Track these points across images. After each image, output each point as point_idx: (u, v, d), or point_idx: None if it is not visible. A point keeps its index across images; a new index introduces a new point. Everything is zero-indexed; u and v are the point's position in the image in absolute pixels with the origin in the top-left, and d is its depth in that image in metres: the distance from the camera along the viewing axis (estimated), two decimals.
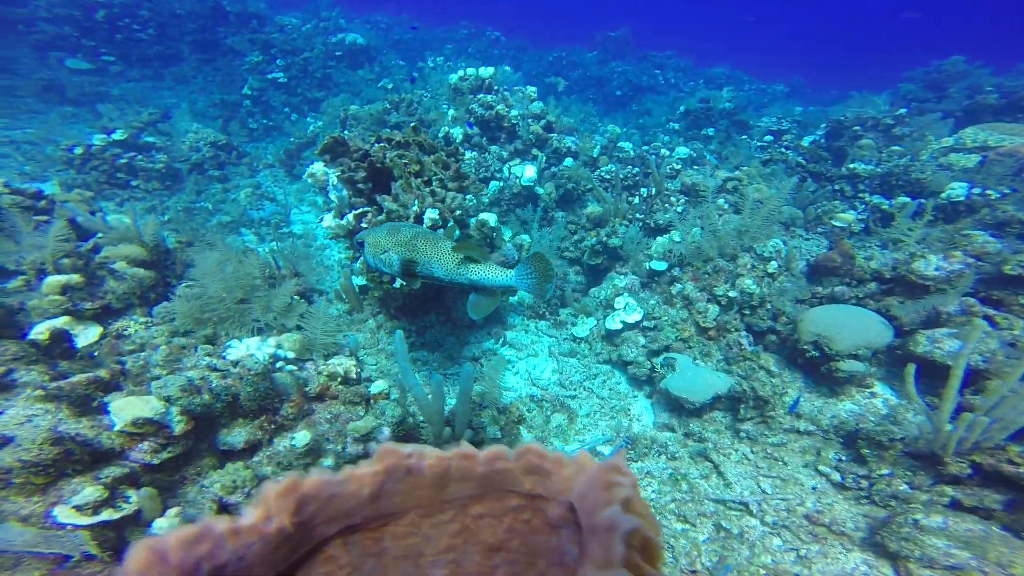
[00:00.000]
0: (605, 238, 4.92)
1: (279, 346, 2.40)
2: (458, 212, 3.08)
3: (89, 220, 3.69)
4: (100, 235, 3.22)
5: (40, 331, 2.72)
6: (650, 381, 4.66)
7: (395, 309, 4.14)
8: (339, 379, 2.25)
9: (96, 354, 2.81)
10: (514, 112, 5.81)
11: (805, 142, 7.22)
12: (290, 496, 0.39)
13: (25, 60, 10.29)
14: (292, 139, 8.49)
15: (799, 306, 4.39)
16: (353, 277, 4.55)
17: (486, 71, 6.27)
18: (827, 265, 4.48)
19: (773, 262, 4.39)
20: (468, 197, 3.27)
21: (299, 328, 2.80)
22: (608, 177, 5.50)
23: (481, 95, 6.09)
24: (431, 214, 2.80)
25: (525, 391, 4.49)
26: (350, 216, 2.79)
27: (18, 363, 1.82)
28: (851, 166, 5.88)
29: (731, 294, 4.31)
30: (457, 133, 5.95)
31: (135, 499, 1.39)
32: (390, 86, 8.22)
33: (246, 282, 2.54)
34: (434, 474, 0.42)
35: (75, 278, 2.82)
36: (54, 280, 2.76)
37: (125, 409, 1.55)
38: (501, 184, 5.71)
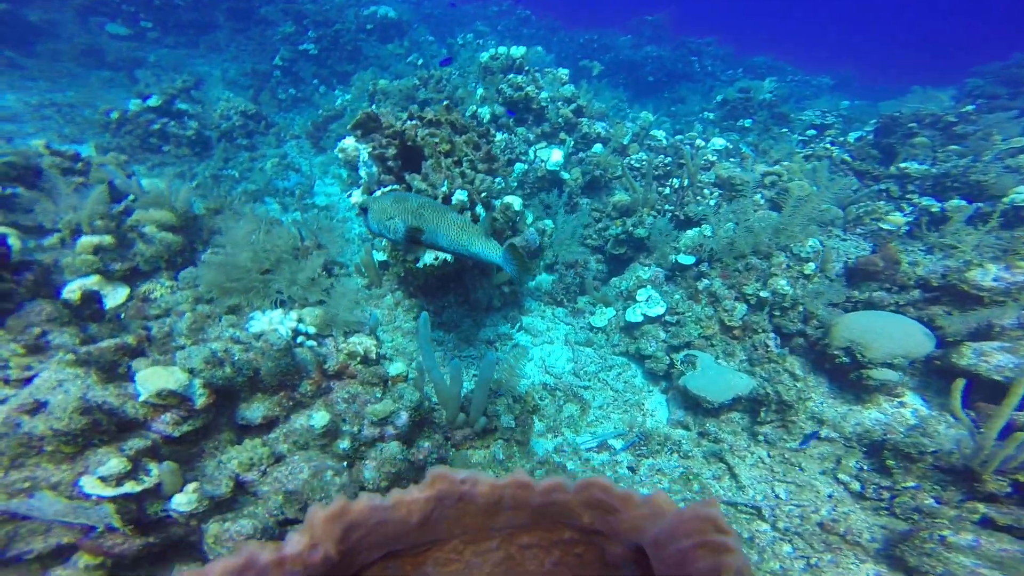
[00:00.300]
0: (631, 228, 4.78)
1: (300, 320, 2.40)
2: (484, 195, 3.01)
3: (125, 183, 3.75)
4: (132, 198, 3.27)
5: (72, 289, 2.80)
6: (667, 377, 4.58)
7: (415, 288, 4.13)
8: (358, 358, 2.25)
9: (123, 316, 2.88)
10: (544, 94, 5.64)
11: (851, 138, 6.82)
12: (338, 522, 0.36)
13: (68, 24, 10.49)
14: (320, 111, 8.47)
15: (832, 310, 4.21)
16: (374, 252, 4.56)
17: (517, 51, 6.07)
18: (868, 269, 4.26)
19: (811, 263, 4.19)
20: (497, 180, 3.18)
21: (322, 303, 2.80)
22: (638, 165, 5.31)
23: (511, 75, 5.92)
24: (460, 196, 2.73)
25: (539, 378, 4.47)
26: (379, 193, 2.76)
27: (52, 324, 1.87)
28: (902, 165, 5.53)
29: (762, 294, 4.14)
30: (485, 112, 5.82)
31: (156, 472, 1.42)
32: (420, 62, 8.08)
33: (273, 254, 2.54)
34: (486, 502, 0.38)
35: (107, 239, 2.88)
36: (87, 240, 2.82)
37: (150, 379, 1.57)
38: (526, 167, 5.59)
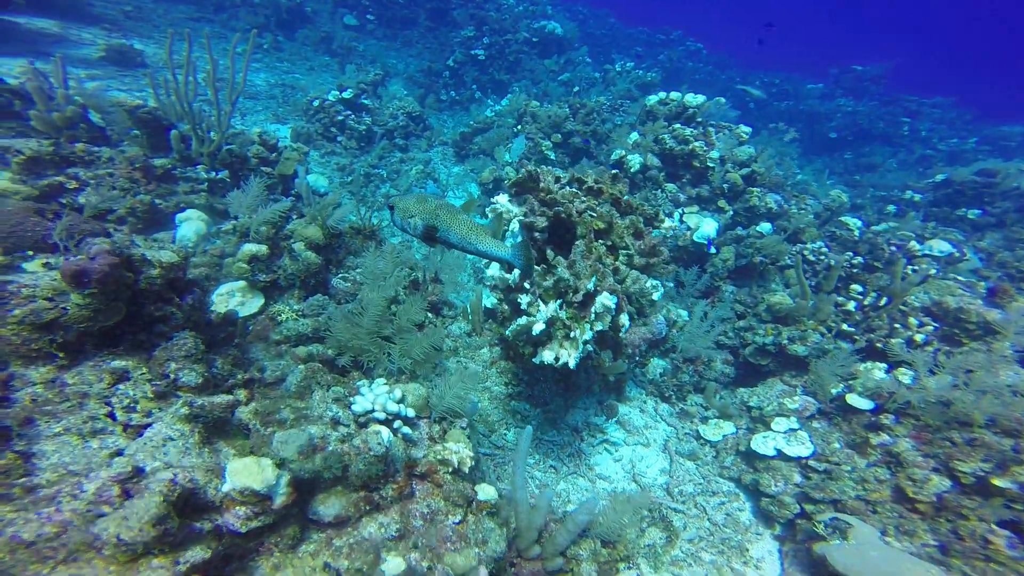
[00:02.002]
0: (786, 341, 3.88)
1: (403, 399, 2.26)
2: (636, 299, 2.56)
3: (300, 183, 4.15)
4: (293, 220, 3.51)
5: (222, 294, 3.08)
6: (790, 526, 3.67)
7: (515, 353, 3.85)
8: (450, 468, 2.02)
9: (251, 327, 3.10)
10: (714, 154, 4.91)
11: None
12: None
13: (323, 14, 12.64)
14: (471, 121, 8.74)
15: None
16: (485, 296, 4.41)
17: (693, 99, 5.40)
18: None
19: None
20: (653, 282, 2.71)
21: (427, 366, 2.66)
22: (814, 260, 4.31)
23: (678, 125, 5.29)
24: (606, 300, 2.32)
25: (623, 486, 3.89)
26: (515, 272, 2.49)
27: (186, 361, 1.95)
28: None
29: (1000, 483, 2.99)
30: (635, 161, 5.29)
31: None
32: (576, 89, 7.80)
33: (398, 323, 2.45)
34: None
35: (263, 250, 3.12)
36: (248, 249, 3.08)
37: (239, 474, 1.51)
38: (668, 233, 4.94)
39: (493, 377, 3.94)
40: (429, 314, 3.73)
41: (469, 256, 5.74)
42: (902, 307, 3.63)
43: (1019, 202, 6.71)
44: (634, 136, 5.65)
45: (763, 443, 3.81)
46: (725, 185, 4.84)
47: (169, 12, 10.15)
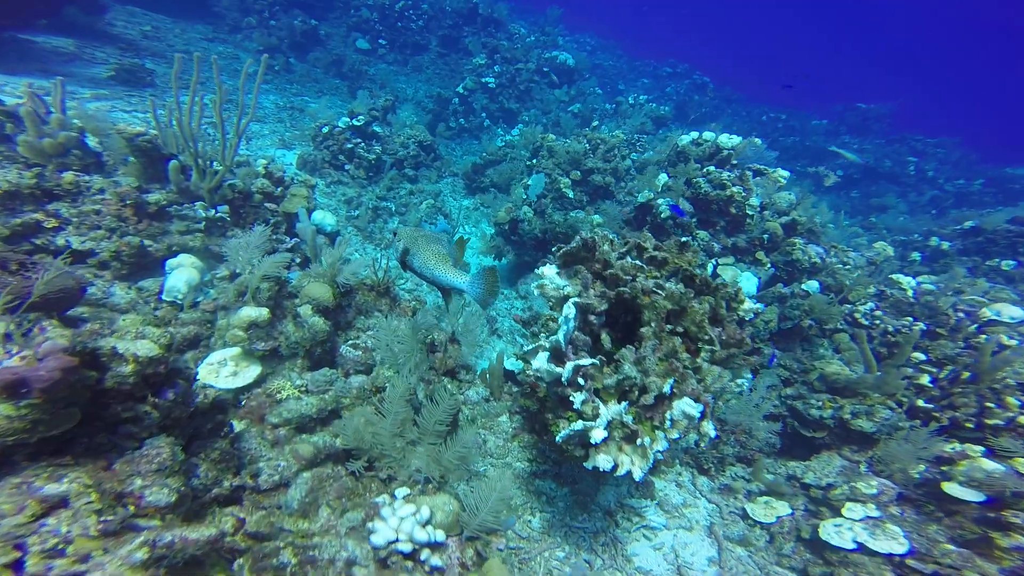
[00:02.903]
0: (849, 415, 3.46)
1: (431, 519, 1.80)
2: (712, 401, 2.14)
3: (303, 228, 3.74)
4: (295, 269, 3.09)
5: (211, 363, 2.63)
6: None
7: (540, 426, 3.40)
8: None
9: (243, 402, 2.65)
10: (754, 200, 4.59)
11: None
12: None
13: (336, 37, 12.63)
14: (484, 152, 8.50)
15: None
16: (510, 361, 3.98)
17: (728, 140, 5.13)
18: None
19: None
20: (739, 380, 2.29)
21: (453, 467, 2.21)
22: (867, 324, 3.93)
23: (713, 168, 5.00)
24: (688, 408, 1.86)
25: None
26: (570, 367, 2.03)
27: (158, 476, 1.50)
28: None
29: None
30: (665, 206, 4.97)
31: None
32: (595, 123, 7.60)
33: (424, 426, 2.02)
34: None
35: (264, 315, 2.69)
36: (246, 315, 2.65)
37: None
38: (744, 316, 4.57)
39: (515, 452, 3.48)
40: (449, 380, 3.30)
41: (486, 312, 5.39)
42: (993, 385, 3.23)
43: None
44: (663, 178, 5.35)
45: (836, 533, 3.32)
46: (765, 236, 4.50)
47: (186, 32, 10.01)
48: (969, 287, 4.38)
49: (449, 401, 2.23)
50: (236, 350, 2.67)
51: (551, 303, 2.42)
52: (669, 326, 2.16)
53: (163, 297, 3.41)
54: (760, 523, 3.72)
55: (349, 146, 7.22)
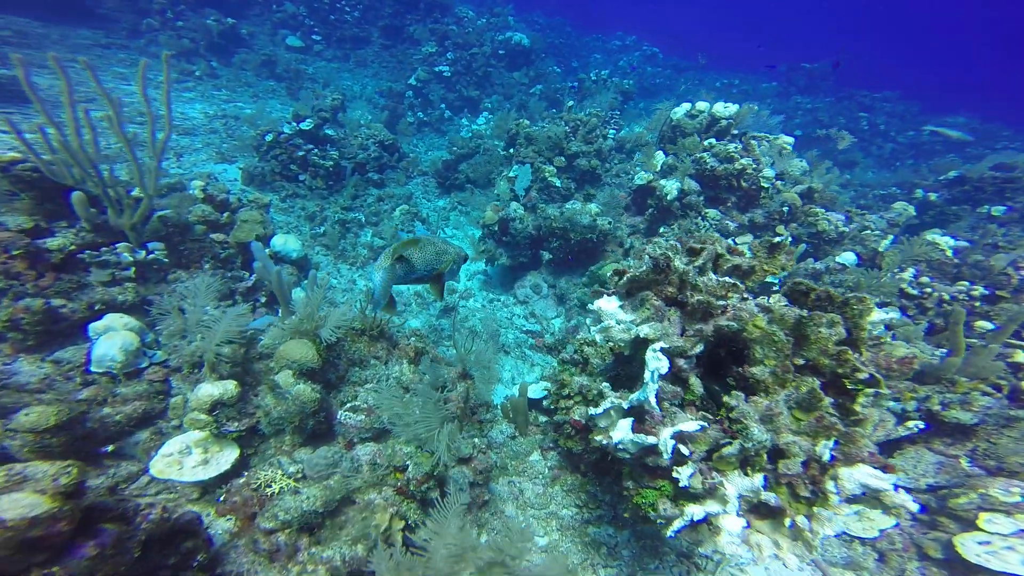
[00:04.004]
0: (938, 407, 3.11)
1: None
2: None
3: (265, 269, 3.00)
4: (268, 333, 2.39)
5: (163, 467, 1.95)
6: None
7: (585, 465, 2.88)
8: None
9: (222, 499, 1.99)
10: (768, 171, 4.20)
11: None
12: None
13: (261, 36, 11.33)
14: (453, 147, 7.79)
15: None
16: (534, 386, 3.43)
17: (724, 108, 4.71)
18: None
19: None
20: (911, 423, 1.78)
21: None
22: (918, 293, 3.63)
23: (714, 140, 4.58)
24: (869, 479, 1.35)
25: None
26: (668, 439, 1.46)
27: None
28: None
29: None
30: (670, 188, 4.52)
31: None
32: (570, 103, 7.06)
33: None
34: None
35: (230, 391, 2.01)
36: (206, 393, 1.97)
37: None
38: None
39: (558, 498, 2.96)
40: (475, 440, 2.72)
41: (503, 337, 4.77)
42: None
43: None
44: (660, 156, 4.89)
45: (988, 553, 2.81)
46: (785, 208, 4.13)
47: (67, 38, 8.51)
48: (1005, 242, 4.18)
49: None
50: (202, 433, 1.99)
51: (619, 345, 1.87)
52: (783, 363, 1.66)
53: (92, 369, 2.64)
54: (860, 539, 3.29)
55: (301, 153, 6.35)
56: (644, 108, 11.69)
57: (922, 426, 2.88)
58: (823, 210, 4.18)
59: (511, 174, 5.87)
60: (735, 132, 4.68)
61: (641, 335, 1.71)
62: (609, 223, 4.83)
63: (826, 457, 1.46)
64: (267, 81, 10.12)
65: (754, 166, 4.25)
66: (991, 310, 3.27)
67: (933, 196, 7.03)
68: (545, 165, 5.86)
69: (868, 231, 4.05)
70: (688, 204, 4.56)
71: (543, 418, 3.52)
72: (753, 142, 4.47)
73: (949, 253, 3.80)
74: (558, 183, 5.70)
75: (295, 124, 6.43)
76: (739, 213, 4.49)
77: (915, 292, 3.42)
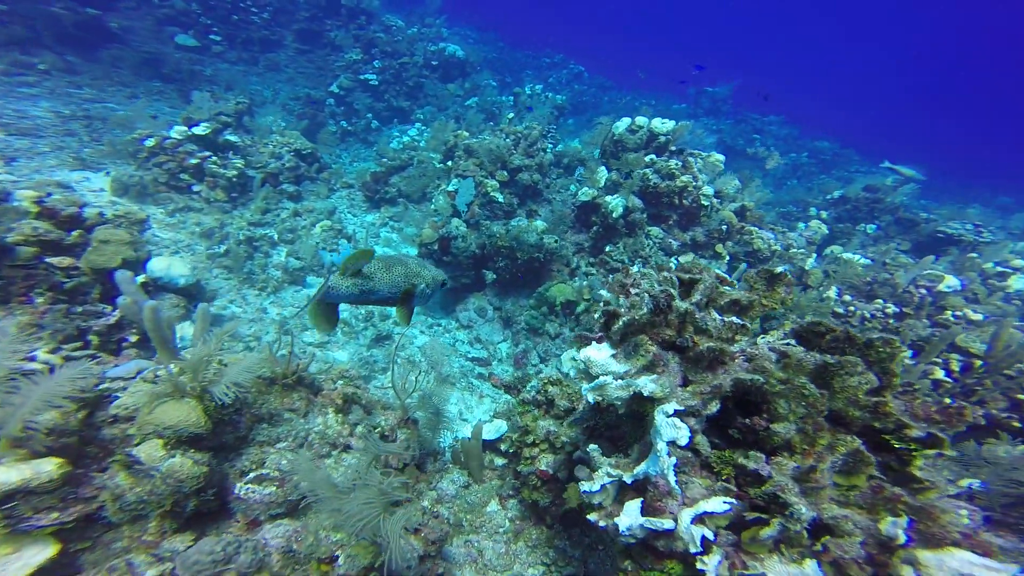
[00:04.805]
0: None
1: None
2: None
3: (130, 305, 2.25)
4: (130, 388, 1.71)
5: None
6: None
7: (552, 517, 2.50)
8: None
9: None
10: (708, 189, 4.29)
11: None
12: None
13: (141, 32, 9.67)
14: (383, 157, 7.21)
15: None
16: (488, 425, 3.00)
17: (662, 124, 4.79)
18: None
19: None
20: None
21: None
22: (843, 312, 3.84)
23: (659, 158, 4.61)
24: (968, 567, 1.11)
25: None
26: (689, 524, 1.15)
27: None
28: None
29: None
30: (616, 205, 4.45)
31: None
32: (510, 115, 6.90)
33: None
34: None
35: (45, 473, 1.34)
36: (7, 475, 1.28)
37: None
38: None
39: (522, 556, 2.54)
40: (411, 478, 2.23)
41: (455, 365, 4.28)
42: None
43: (895, 216, 7.61)
44: (603, 172, 4.83)
45: None
46: (724, 226, 4.22)
47: None
48: (891, 259, 4.64)
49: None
50: None
51: (611, 402, 1.52)
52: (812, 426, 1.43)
53: None
54: None
55: (194, 161, 5.38)
56: (574, 124, 12.04)
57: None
58: (755, 229, 4.34)
59: (450, 188, 5.48)
60: (672, 149, 4.76)
61: (645, 393, 1.40)
62: (556, 241, 4.63)
63: (901, 538, 1.21)
64: (151, 82, 8.70)
65: (695, 183, 4.32)
66: (900, 326, 3.55)
67: (824, 214, 7.91)
68: (488, 179, 5.56)
69: (793, 249, 4.28)
70: (633, 222, 4.51)
71: (499, 460, 3.10)
72: (691, 159, 4.56)
73: (861, 271, 4.14)
74: (501, 198, 5.42)
75: (185, 128, 5.45)
76: (680, 231, 4.52)
77: (841, 311, 3.63)
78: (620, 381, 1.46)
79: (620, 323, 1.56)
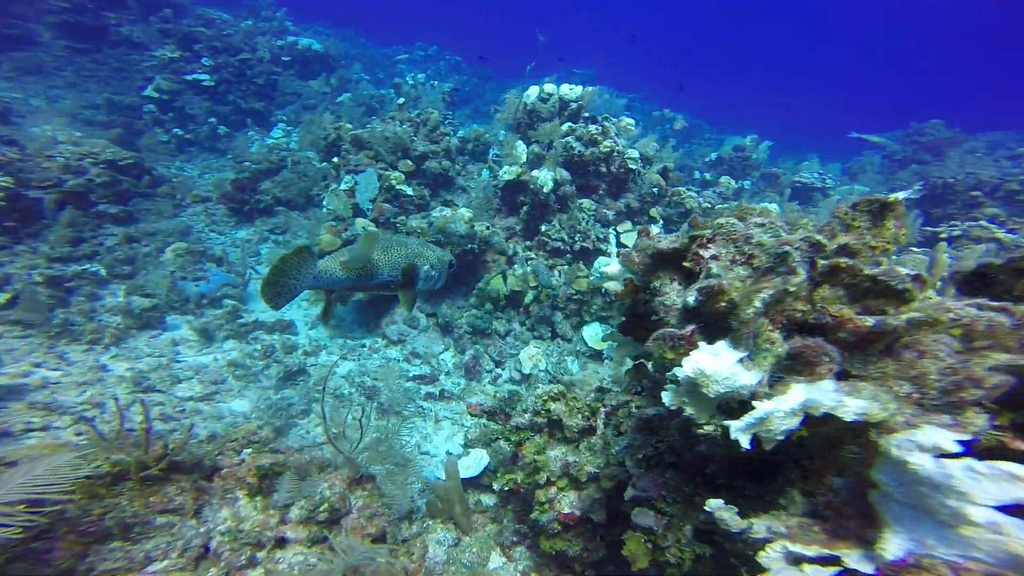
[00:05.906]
0: None
1: None
2: None
3: None
4: None
5: None
6: None
7: (582, 564, 1.98)
8: None
9: None
10: (633, 152, 4.15)
11: None
12: None
13: None
14: (246, 162, 5.80)
15: None
16: (465, 459, 2.32)
17: (570, 90, 4.55)
18: None
19: None
20: None
21: None
22: None
23: (580, 126, 4.35)
24: None
25: None
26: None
27: None
28: None
29: None
30: (545, 179, 4.07)
31: None
32: (401, 100, 6.08)
33: None
34: None
35: None
36: None
37: None
38: (599, 271, 3.92)
39: None
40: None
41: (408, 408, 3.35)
42: None
43: (763, 171, 8.72)
44: (522, 147, 4.40)
45: None
46: (655, 189, 4.12)
47: None
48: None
49: None
50: None
51: (772, 437, 0.96)
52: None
53: None
54: None
55: None
56: (461, 116, 11.54)
57: None
58: (683, 188, 4.33)
59: (344, 186, 4.53)
60: (586, 115, 4.54)
61: (848, 418, 0.84)
62: (487, 228, 4.07)
63: None
64: None
65: (619, 148, 4.12)
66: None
67: (708, 175, 8.69)
68: (390, 172, 4.73)
69: (720, 205, 4.38)
70: (564, 195, 4.17)
71: (487, 499, 2.47)
72: (607, 123, 4.37)
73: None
74: (409, 191, 4.64)
75: None
76: (613, 200, 4.32)
77: None
78: (793, 405, 0.92)
79: (758, 302, 1.03)
